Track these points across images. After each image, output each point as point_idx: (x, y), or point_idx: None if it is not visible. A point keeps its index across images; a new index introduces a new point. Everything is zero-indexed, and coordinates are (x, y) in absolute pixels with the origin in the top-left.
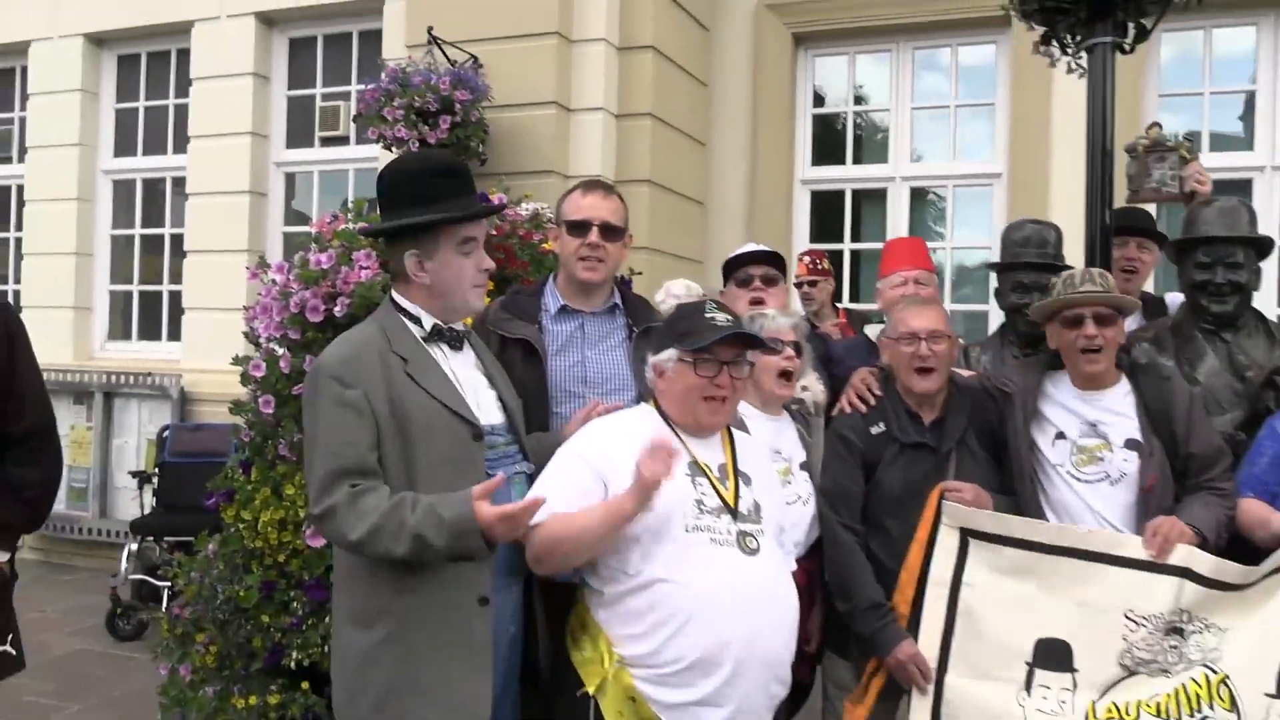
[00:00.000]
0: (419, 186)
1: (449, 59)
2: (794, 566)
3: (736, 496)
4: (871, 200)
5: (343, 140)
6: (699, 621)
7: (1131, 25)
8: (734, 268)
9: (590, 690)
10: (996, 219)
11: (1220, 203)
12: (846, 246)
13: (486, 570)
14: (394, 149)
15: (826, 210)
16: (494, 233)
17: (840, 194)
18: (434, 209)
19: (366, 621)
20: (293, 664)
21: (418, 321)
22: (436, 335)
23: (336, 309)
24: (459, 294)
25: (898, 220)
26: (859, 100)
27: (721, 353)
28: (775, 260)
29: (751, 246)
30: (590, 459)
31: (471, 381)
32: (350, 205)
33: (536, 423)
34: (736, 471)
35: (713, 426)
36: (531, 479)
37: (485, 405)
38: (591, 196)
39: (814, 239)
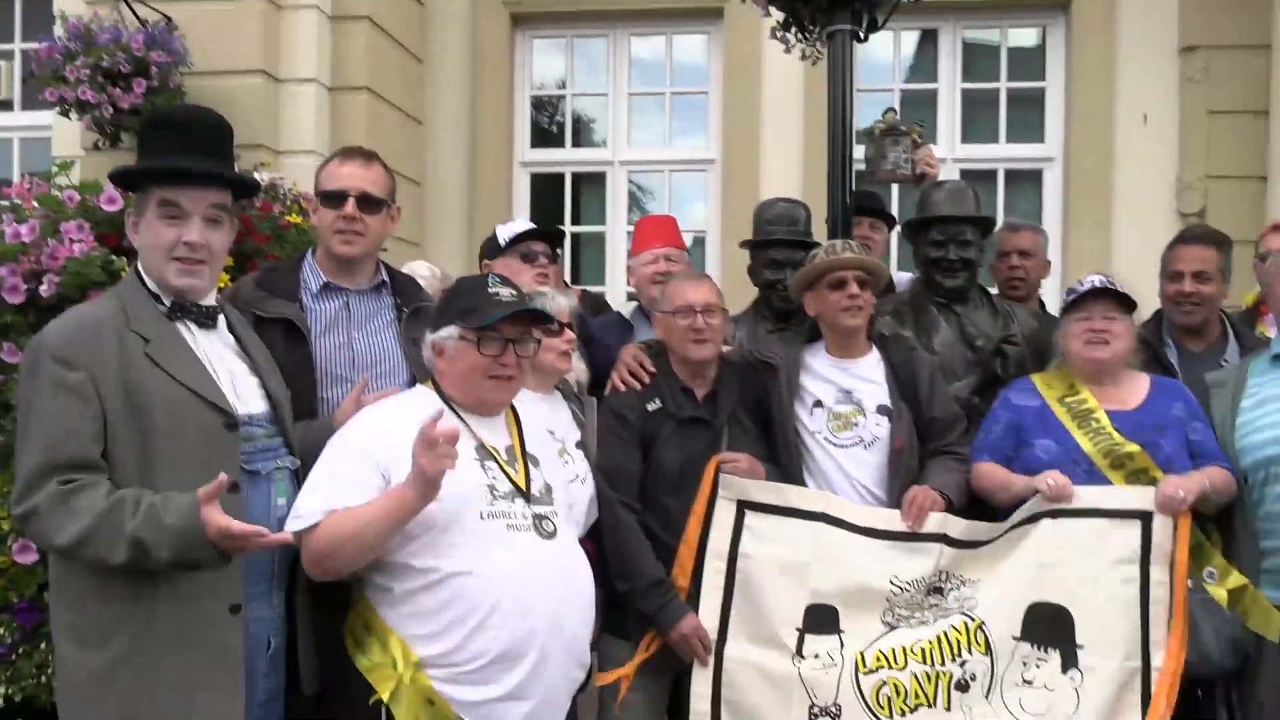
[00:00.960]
0: (160, 135)
1: (139, 18)
2: None
3: (528, 479)
4: (591, 184)
5: (4, 105)
6: (502, 613)
7: (865, 16)
8: (511, 244)
9: (383, 697)
10: (712, 204)
11: (949, 185)
12: (568, 229)
13: (238, 574)
14: (77, 114)
15: (547, 193)
16: None
17: (560, 177)
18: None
19: (97, 639)
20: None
21: (159, 298)
22: (180, 312)
23: (43, 288)
24: (155, 266)
25: (617, 204)
26: (577, 84)
27: (507, 330)
28: (554, 238)
29: (524, 224)
30: (366, 448)
31: (227, 365)
32: (56, 166)
33: (301, 409)
34: (525, 453)
35: (498, 406)
36: (298, 475)
37: (245, 392)
38: (349, 165)
39: (535, 222)
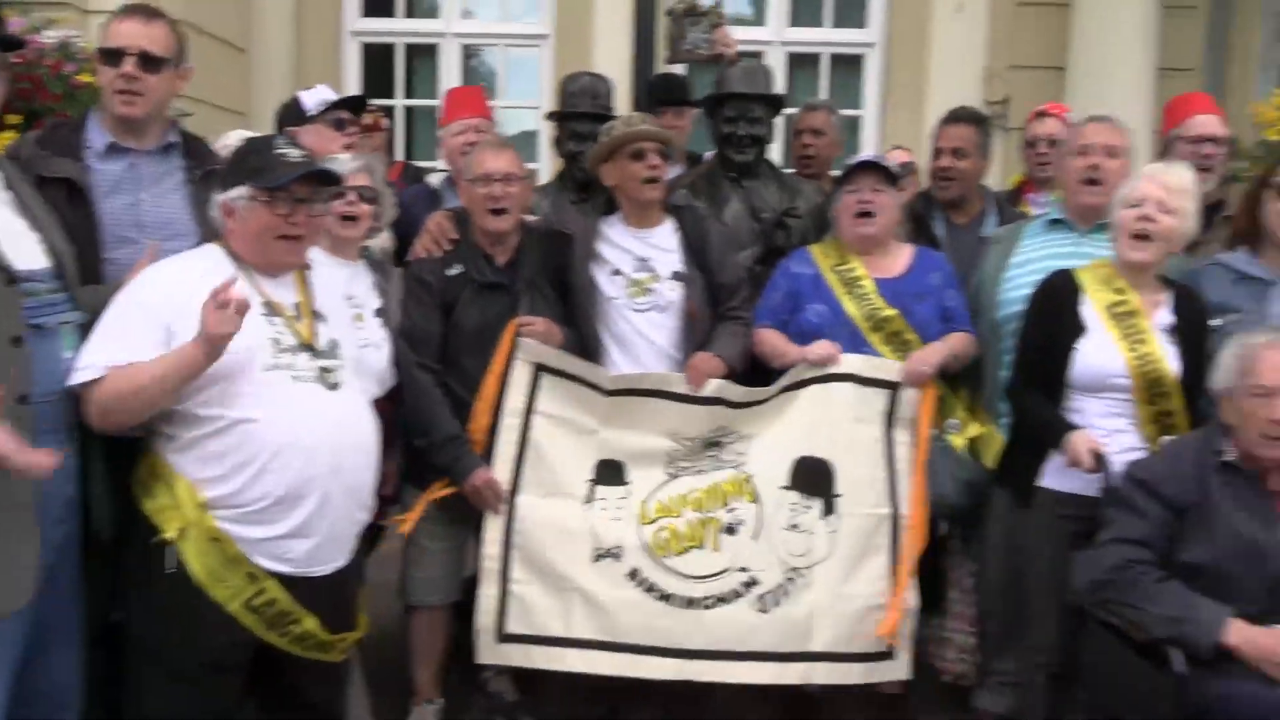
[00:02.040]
0: None
1: None
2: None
3: (314, 334)
4: (424, 56)
5: None
6: (285, 458)
7: None
8: (323, 112)
9: (170, 536)
10: (545, 80)
11: (744, 65)
12: (400, 102)
13: (28, 427)
14: None
15: (378, 64)
16: (17, 61)
17: (391, 48)
18: None
19: None
20: None
21: None
22: None
23: None
24: None
25: (450, 78)
26: None
27: (297, 190)
28: (359, 107)
29: (327, 92)
30: (152, 305)
31: (4, 222)
32: None
33: (86, 271)
34: (312, 310)
35: (288, 266)
36: (85, 329)
37: (25, 250)
38: (129, 22)
39: (366, 94)
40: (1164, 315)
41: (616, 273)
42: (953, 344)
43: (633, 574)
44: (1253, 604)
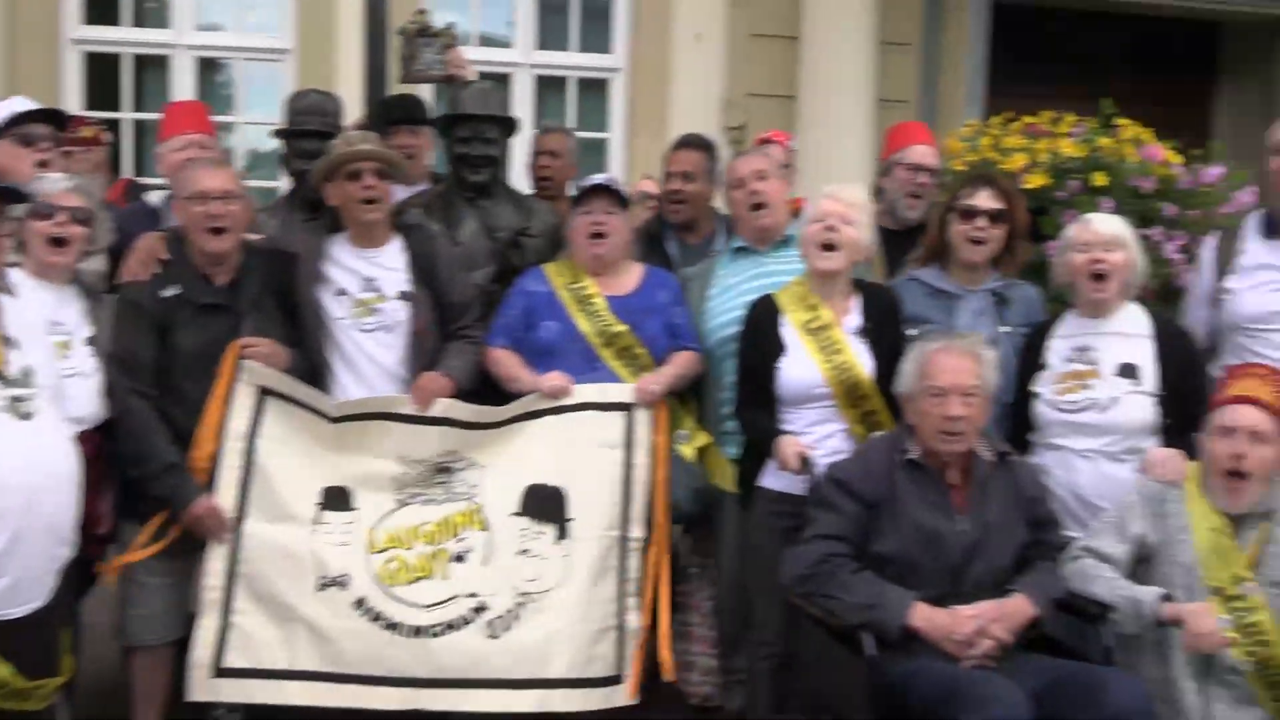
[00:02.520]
0: None
1: None
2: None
3: (4, 360)
4: (156, 68)
5: None
6: None
7: None
8: (9, 126)
9: None
10: (286, 95)
11: (477, 86)
12: (127, 116)
13: None
14: None
15: (103, 76)
16: None
17: (118, 58)
18: None
19: None
20: None
21: None
22: None
23: None
24: None
25: (183, 92)
26: None
27: None
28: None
29: (23, 103)
30: None
31: None
32: None
33: None
34: (4, 336)
35: None
36: None
37: None
38: None
39: (90, 106)
40: (853, 319)
41: (342, 293)
42: (680, 365)
43: (359, 603)
44: (935, 588)
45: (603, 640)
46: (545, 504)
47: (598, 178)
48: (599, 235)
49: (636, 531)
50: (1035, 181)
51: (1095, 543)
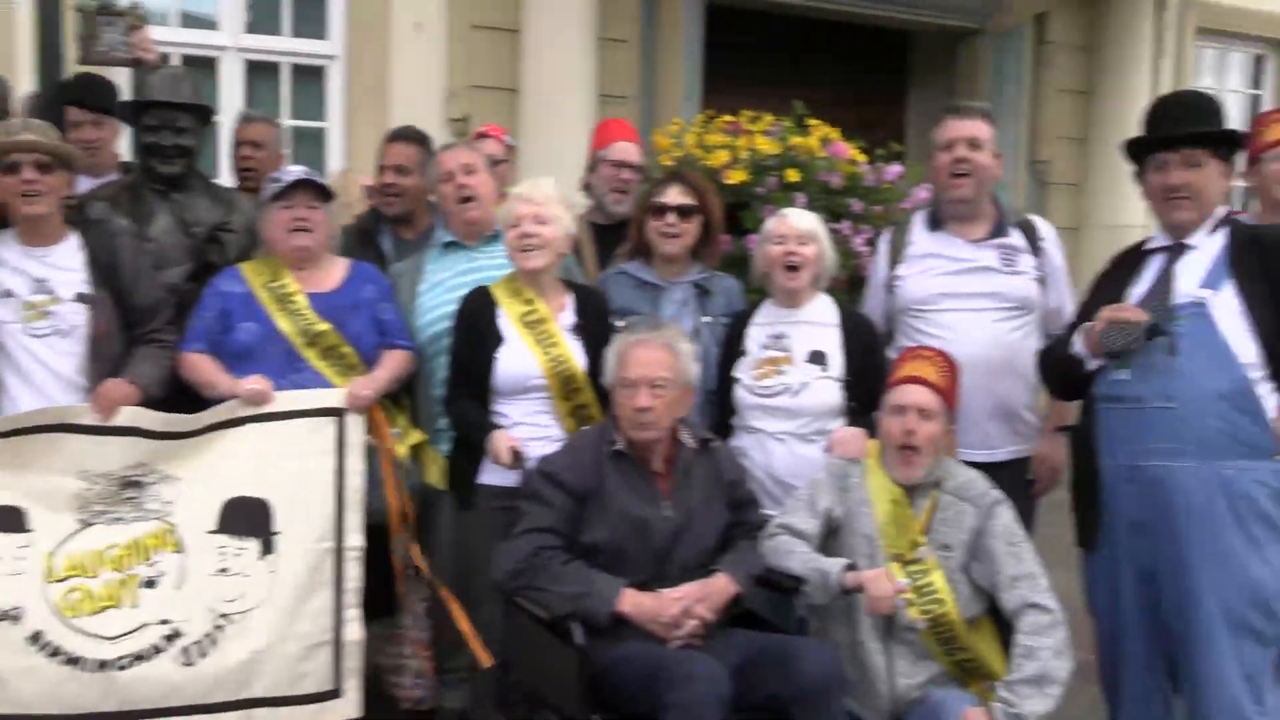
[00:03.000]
0: None
1: None
2: None
3: None
4: None
5: None
6: None
7: None
8: None
9: None
10: None
11: (167, 71)
12: None
13: None
14: None
15: None
16: None
17: None
18: None
19: None
20: None
21: None
22: None
23: None
24: None
25: None
26: None
27: None
28: None
29: None
30: None
31: None
32: None
33: None
34: None
35: None
36: None
37: None
38: None
39: None
40: (568, 316)
41: (8, 295)
42: (392, 365)
43: (35, 637)
44: (643, 573)
45: (315, 655)
46: (247, 518)
47: (297, 171)
48: (303, 230)
49: (353, 540)
50: (735, 177)
51: (789, 519)
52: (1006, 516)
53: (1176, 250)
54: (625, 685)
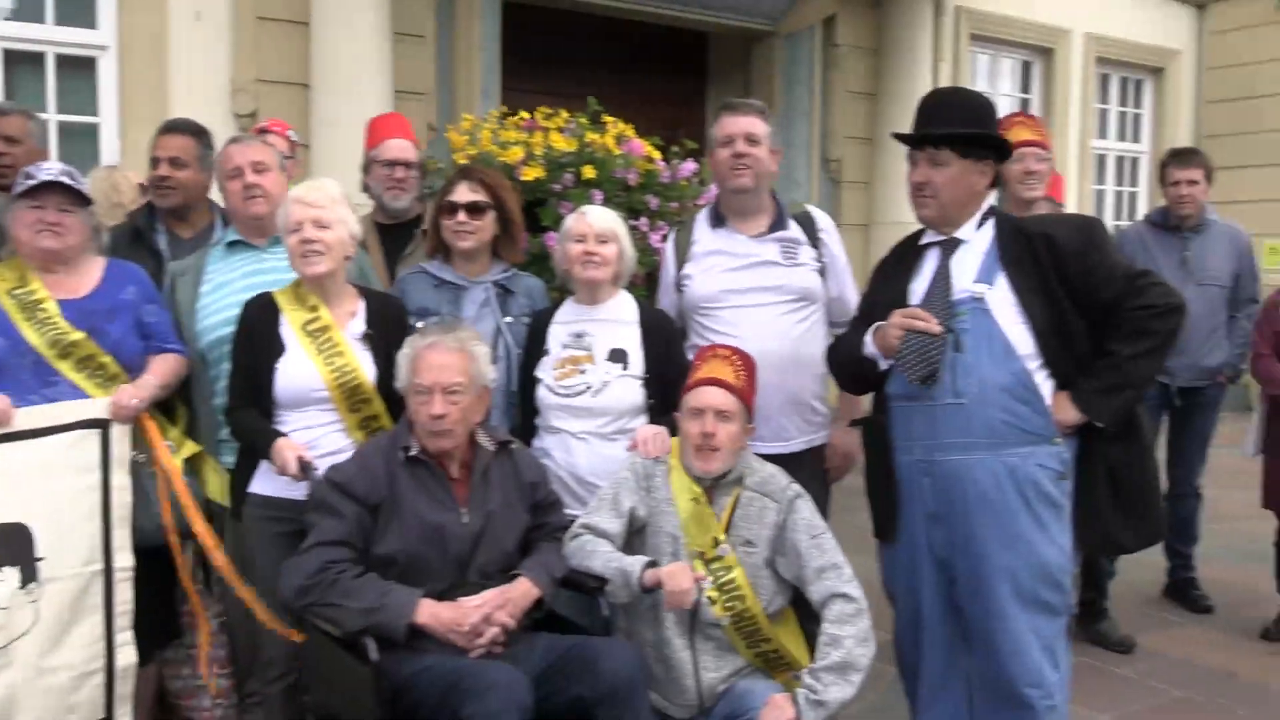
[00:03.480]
0: None
1: None
2: None
3: None
4: None
5: None
6: None
7: None
8: None
9: None
10: None
11: None
12: None
13: None
14: None
15: None
16: None
17: None
18: None
19: None
20: None
21: None
22: None
23: None
24: None
25: None
26: None
27: None
28: None
29: None
30: None
31: None
32: None
33: None
34: None
35: None
36: None
37: None
38: None
39: None
40: (357, 324)
41: None
42: (161, 371)
43: None
44: (442, 581)
45: (85, 685)
46: (6, 544)
47: (52, 169)
48: (53, 232)
49: (123, 560)
50: (531, 174)
51: (592, 519)
52: (806, 510)
53: (950, 245)
54: (425, 700)
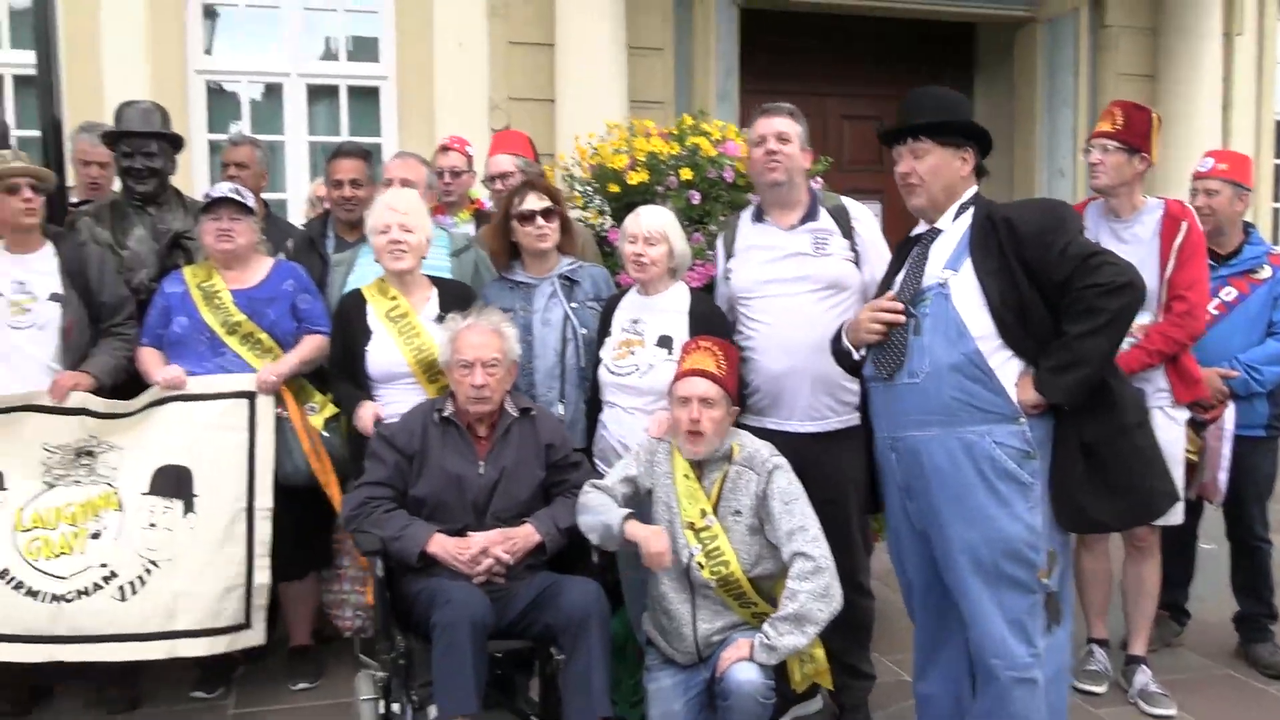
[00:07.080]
0: None
1: None
2: None
3: None
4: None
5: None
6: None
7: None
8: None
9: None
10: None
11: (140, 105)
12: None
13: None
14: None
15: None
16: None
17: None
18: None
19: None
20: None
21: None
22: None
23: None
24: None
25: None
26: None
27: None
28: None
29: None
30: None
31: None
32: None
33: None
34: None
35: None
36: None
37: None
38: None
39: None
40: (431, 308)
41: None
42: (304, 350)
43: (2, 574)
44: (460, 522)
45: (230, 596)
46: (173, 482)
47: (223, 188)
48: (224, 236)
49: (263, 501)
50: (637, 178)
51: (601, 481)
52: (782, 479)
53: (931, 235)
54: (419, 608)
